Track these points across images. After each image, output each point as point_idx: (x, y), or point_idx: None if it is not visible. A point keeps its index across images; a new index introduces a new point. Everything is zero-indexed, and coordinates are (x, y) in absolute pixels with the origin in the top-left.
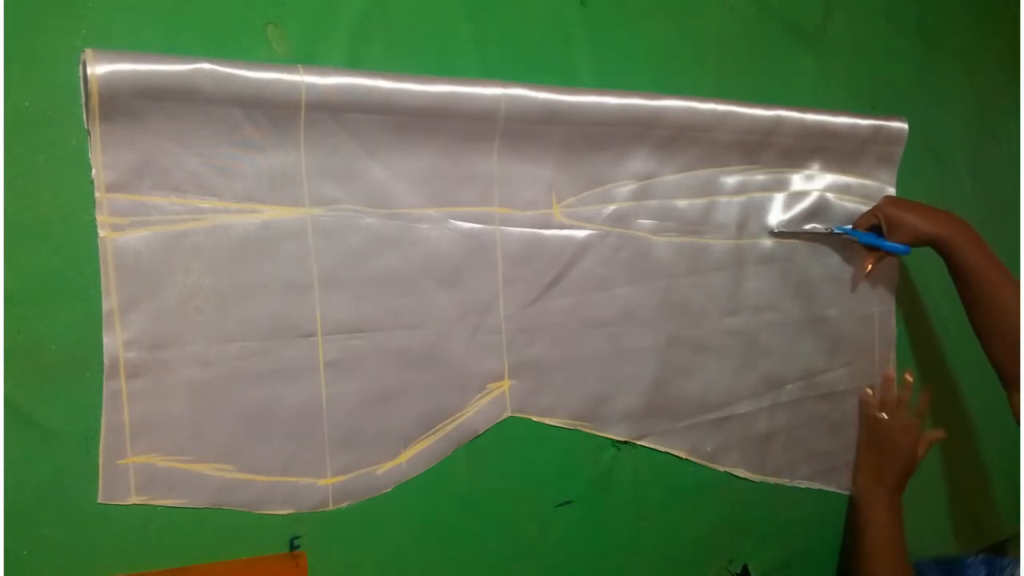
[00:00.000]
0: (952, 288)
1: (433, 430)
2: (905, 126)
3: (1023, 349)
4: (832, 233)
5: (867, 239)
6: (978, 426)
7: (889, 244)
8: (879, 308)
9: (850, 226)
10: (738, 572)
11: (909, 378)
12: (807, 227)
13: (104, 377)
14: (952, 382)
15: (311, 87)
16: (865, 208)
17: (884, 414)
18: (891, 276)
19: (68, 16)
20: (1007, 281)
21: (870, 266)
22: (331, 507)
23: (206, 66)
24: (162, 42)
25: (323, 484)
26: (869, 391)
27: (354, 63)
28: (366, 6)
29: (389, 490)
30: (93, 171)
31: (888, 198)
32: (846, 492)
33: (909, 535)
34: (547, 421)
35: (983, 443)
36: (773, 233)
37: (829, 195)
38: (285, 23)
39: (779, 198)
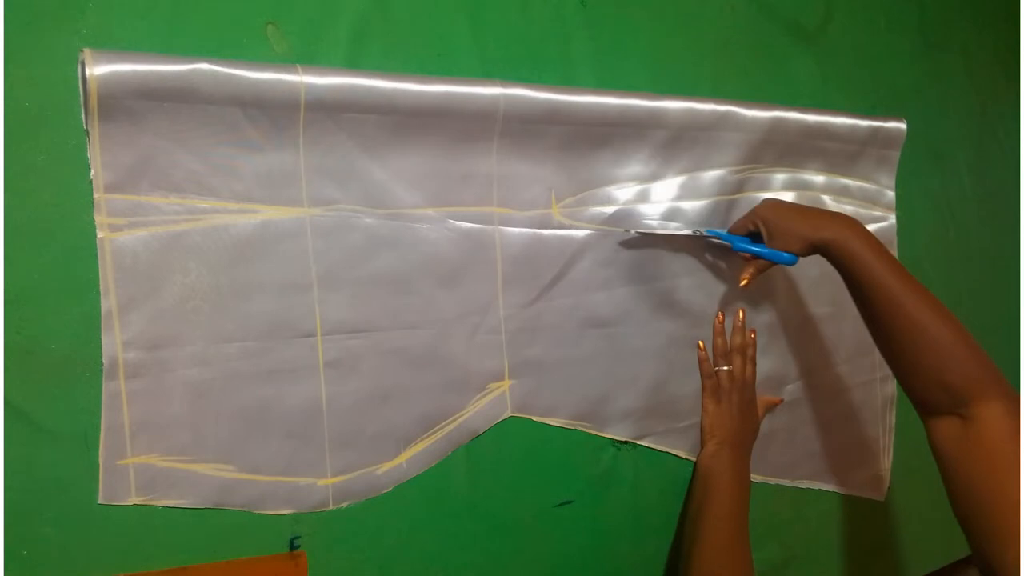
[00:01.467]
0: (951, 283)
1: (433, 430)
2: (904, 127)
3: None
4: (702, 237)
5: (744, 246)
6: None
7: (768, 251)
8: None
9: (724, 231)
10: None
11: (741, 318)
12: (670, 227)
13: (103, 377)
14: None
15: (310, 87)
16: (863, 211)
17: (725, 366)
18: None
19: (68, 16)
20: (914, 292)
21: (746, 280)
22: (331, 507)
23: (205, 66)
24: (162, 42)
25: (323, 484)
26: (701, 344)
27: (354, 63)
28: (366, 6)
29: (389, 490)
30: (92, 171)
31: (768, 201)
32: (846, 491)
33: (911, 537)
34: (547, 421)
35: None
36: (635, 233)
37: (827, 197)
38: (285, 23)
39: (776, 196)
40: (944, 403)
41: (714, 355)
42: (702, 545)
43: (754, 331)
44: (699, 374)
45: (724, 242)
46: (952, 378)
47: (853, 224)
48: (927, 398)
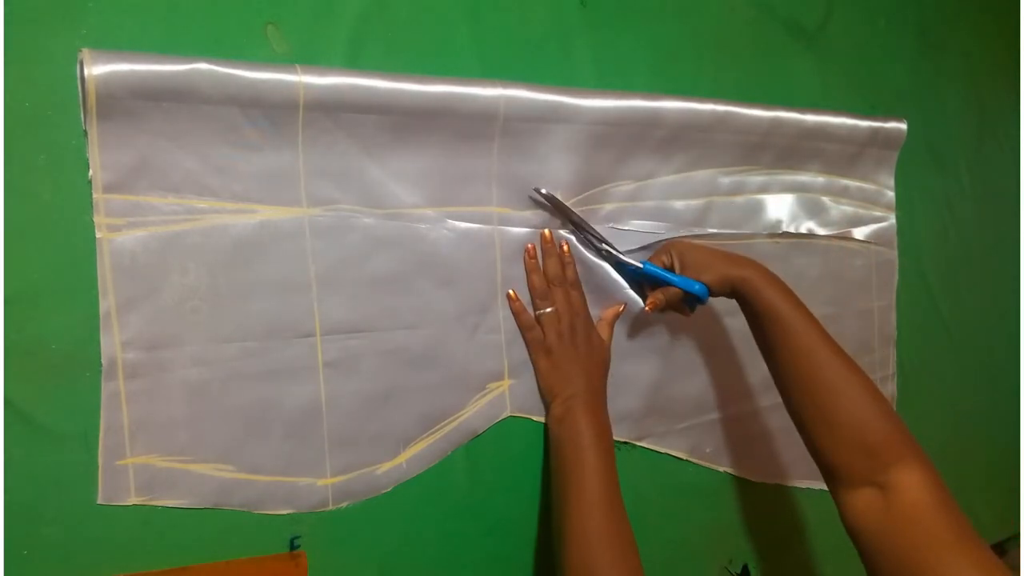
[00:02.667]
0: (951, 283)
1: (433, 430)
2: (904, 127)
3: None
4: (612, 254)
5: (655, 270)
6: (978, 424)
7: (683, 280)
8: (879, 303)
9: (637, 263)
10: (738, 572)
11: (548, 236)
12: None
13: (102, 378)
14: (952, 379)
15: (309, 87)
16: (863, 211)
17: (547, 308)
18: (891, 271)
19: (68, 16)
20: (832, 345)
21: (652, 304)
22: (331, 507)
23: (204, 66)
24: (162, 42)
25: (323, 484)
26: (512, 293)
27: (354, 63)
28: (366, 6)
29: (389, 490)
30: (90, 171)
31: (683, 239)
32: None
33: None
34: None
35: (983, 441)
36: (543, 193)
37: (827, 198)
38: (285, 23)
39: (777, 199)
40: (860, 469)
41: (532, 297)
42: (574, 536)
43: (566, 243)
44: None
45: (634, 264)
46: (872, 438)
47: (767, 271)
48: (842, 463)
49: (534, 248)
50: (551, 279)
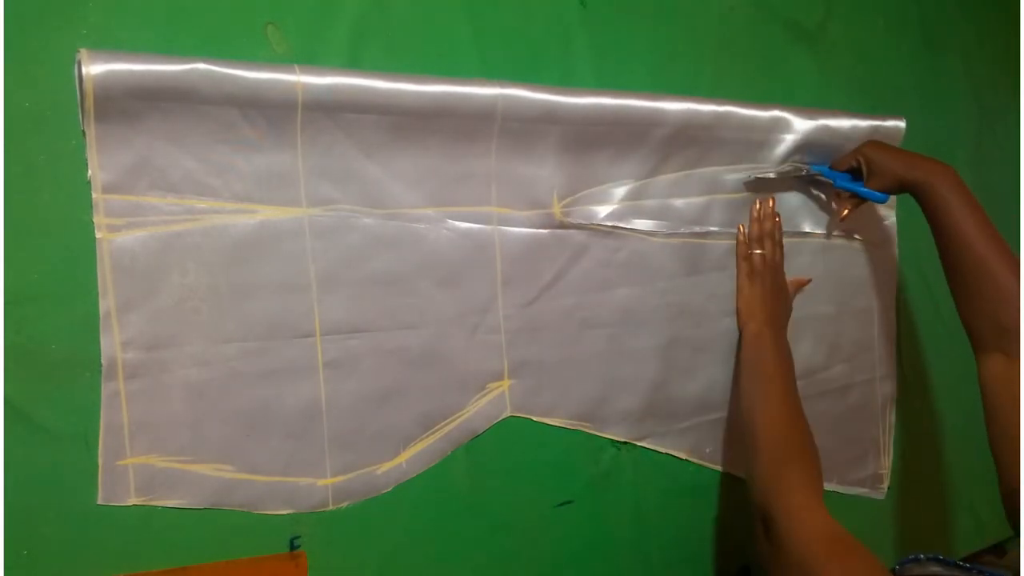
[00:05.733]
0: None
1: (433, 430)
2: (903, 125)
3: None
4: (808, 174)
5: (844, 182)
6: (978, 423)
7: (866, 190)
8: (879, 303)
9: (827, 167)
10: (738, 572)
11: (771, 204)
12: (783, 168)
13: (102, 378)
14: (952, 378)
15: (308, 87)
16: (864, 210)
17: (758, 250)
18: (891, 271)
19: (68, 16)
20: (986, 236)
21: (845, 212)
22: (331, 507)
23: (202, 66)
24: (162, 42)
25: (323, 484)
26: (741, 228)
27: (354, 63)
28: (366, 6)
29: (389, 490)
30: (89, 172)
31: (872, 142)
32: (845, 489)
33: (910, 536)
34: (547, 421)
35: (983, 441)
36: (747, 182)
37: (827, 196)
38: (285, 23)
39: (778, 197)
40: (993, 339)
41: (750, 240)
42: (768, 422)
43: (779, 215)
44: (734, 268)
45: (826, 179)
46: (1005, 318)
47: (947, 170)
48: (980, 333)
49: (760, 203)
50: (764, 233)
